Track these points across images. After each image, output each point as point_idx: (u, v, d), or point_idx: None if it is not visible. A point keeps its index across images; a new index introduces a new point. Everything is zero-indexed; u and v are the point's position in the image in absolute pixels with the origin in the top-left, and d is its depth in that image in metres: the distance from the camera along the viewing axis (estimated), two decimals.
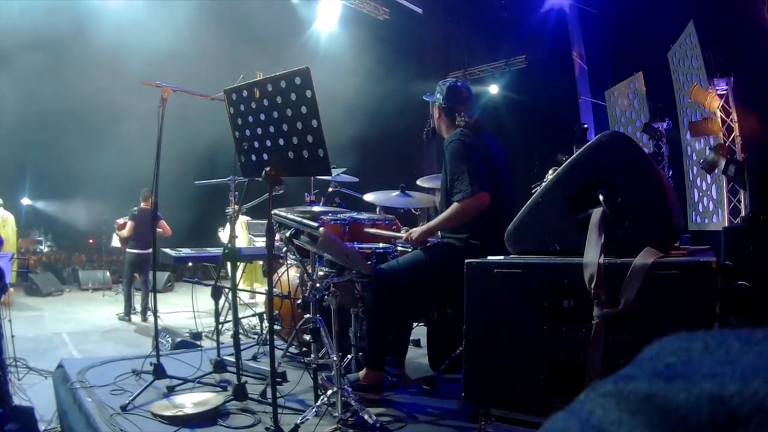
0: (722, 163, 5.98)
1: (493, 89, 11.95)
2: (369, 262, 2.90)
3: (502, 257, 2.24)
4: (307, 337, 2.71)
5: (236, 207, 4.13)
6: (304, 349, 3.00)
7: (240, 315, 3.29)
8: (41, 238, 15.28)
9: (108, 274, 12.26)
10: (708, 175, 7.49)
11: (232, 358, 3.00)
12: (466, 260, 2.18)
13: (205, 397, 2.67)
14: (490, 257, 2.23)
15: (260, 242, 7.31)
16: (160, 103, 3.02)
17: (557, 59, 10.83)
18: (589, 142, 2.17)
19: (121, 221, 7.77)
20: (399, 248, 3.18)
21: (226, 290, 3.52)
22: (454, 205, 2.75)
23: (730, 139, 7.24)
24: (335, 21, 11.49)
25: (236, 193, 4.97)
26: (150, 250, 4.79)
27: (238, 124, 2.46)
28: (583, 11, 10.54)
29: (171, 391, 2.86)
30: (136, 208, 7.46)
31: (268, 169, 2.29)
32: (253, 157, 2.45)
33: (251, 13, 9.83)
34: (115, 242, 8.56)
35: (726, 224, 6.88)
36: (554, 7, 10.53)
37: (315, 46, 11.55)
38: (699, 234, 7.68)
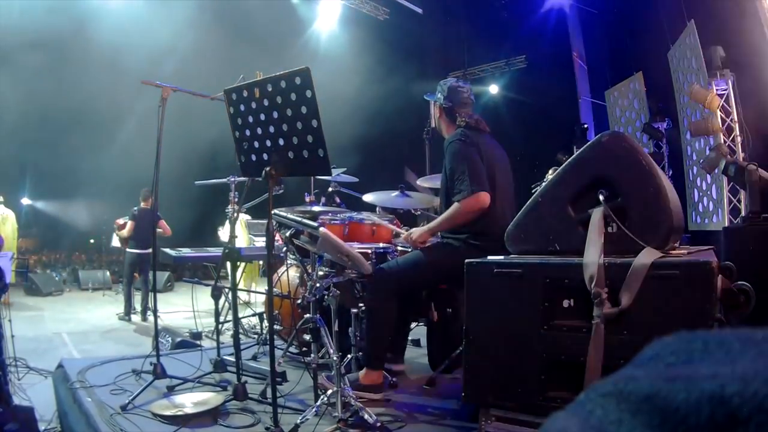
0: (722, 163, 5.97)
1: (493, 89, 11.95)
2: (369, 262, 2.90)
3: (502, 257, 2.24)
4: (307, 337, 2.71)
5: (236, 207, 4.13)
6: (304, 348, 3.00)
7: (240, 315, 3.29)
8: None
9: (108, 274, 12.26)
10: (708, 175, 7.49)
11: (232, 358, 3.00)
12: (466, 260, 2.18)
13: (205, 397, 2.67)
14: (490, 257, 2.23)
15: (260, 242, 7.32)
16: (160, 103, 3.02)
17: (557, 59, 10.83)
18: (589, 142, 2.17)
19: (120, 221, 7.77)
20: (399, 248, 3.18)
21: (226, 290, 3.52)
22: (455, 205, 2.75)
23: (730, 139, 7.24)
24: (335, 21, 11.50)
25: (236, 192, 4.97)
26: (150, 250, 4.80)
27: (238, 124, 2.46)
28: (583, 11, 10.54)
29: (171, 390, 2.86)
30: (136, 208, 7.46)
31: (268, 168, 2.29)
32: (253, 157, 2.45)
33: (251, 12, 9.83)
34: (115, 242, 8.56)
35: (726, 224, 6.88)
36: (554, 7, 10.53)
37: (315, 46, 11.56)
38: (699, 234, 7.67)
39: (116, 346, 5.91)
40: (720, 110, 7.21)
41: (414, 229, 3.02)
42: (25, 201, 14.56)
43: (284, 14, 10.82)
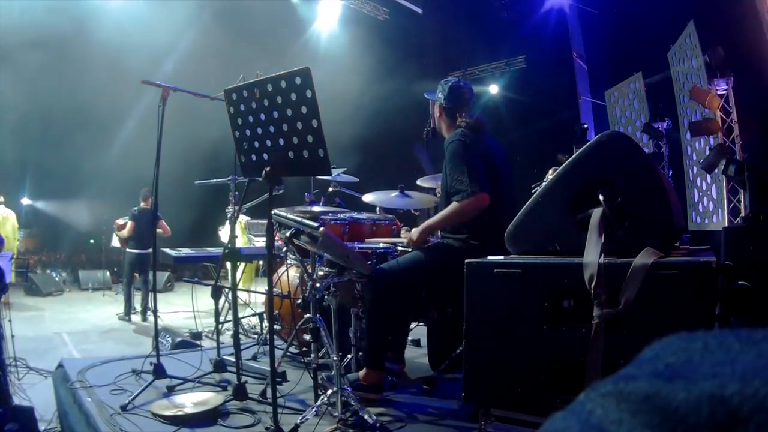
0: (722, 163, 5.98)
1: (493, 89, 11.95)
2: (369, 262, 2.90)
3: (502, 257, 2.24)
4: (307, 337, 2.71)
5: (236, 207, 4.13)
6: (304, 348, 3.00)
7: (240, 315, 3.29)
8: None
9: (108, 274, 12.26)
10: (708, 175, 7.49)
11: (232, 358, 3.00)
12: (466, 260, 2.18)
13: (205, 397, 2.67)
14: (490, 257, 2.23)
15: (260, 242, 7.31)
16: (160, 103, 3.02)
17: (557, 59, 10.83)
18: (589, 142, 2.17)
19: (120, 222, 7.78)
20: (399, 248, 3.18)
21: (226, 290, 3.52)
22: (454, 204, 2.75)
23: (730, 139, 7.24)
24: (335, 21, 11.50)
25: (236, 192, 4.97)
26: (150, 250, 4.80)
27: (238, 124, 2.46)
28: (583, 11, 10.54)
29: (171, 390, 2.86)
30: (136, 208, 7.46)
31: (268, 168, 2.29)
32: (253, 157, 2.45)
33: (251, 12, 9.83)
34: (115, 242, 8.57)
35: (726, 224, 6.88)
36: (554, 7, 10.53)
37: (315, 46, 11.56)
38: (699, 234, 7.68)
39: (116, 346, 5.91)
40: (720, 110, 7.21)
41: (413, 230, 3.02)
42: (25, 201, 14.55)
43: (284, 14, 10.83)
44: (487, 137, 3.02)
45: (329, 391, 2.47)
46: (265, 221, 2.42)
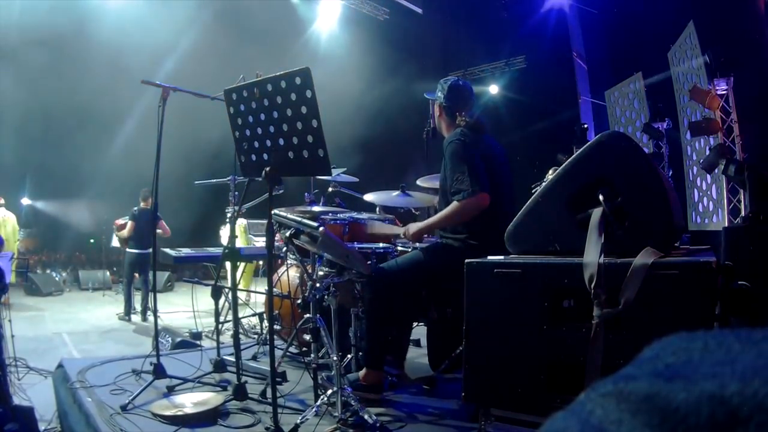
0: (722, 163, 5.97)
1: (493, 89, 11.95)
2: (369, 262, 2.90)
3: (502, 257, 2.24)
4: (307, 337, 2.71)
5: (236, 207, 4.13)
6: (304, 348, 3.00)
7: (240, 315, 3.29)
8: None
9: (108, 274, 12.26)
10: (708, 175, 7.49)
11: (232, 358, 3.00)
12: (466, 260, 2.18)
13: (205, 397, 2.67)
14: (489, 257, 2.23)
15: (260, 242, 7.32)
16: (160, 102, 3.02)
17: (557, 59, 10.83)
18: (589, 142, 2.17)
19: (120, 222, 7.78)
20: (399, 248, 3.18)
21: (226, 290, 3.52)
22: (454, 204, 2.74)
23: (730, 139, 7.24)
24: (335, 21, 11.50)
25: (236, 193, 4.97)
26: (150, 250, 4.79)
27: (238, 124, 2.46)
28: (583, 11, 10.54)
29: (171, 390, 2.86)
30: (136, 208, 7.46)
31: (268, 169, 2.29)
32: (253, 157, 2.45)
33: (251, 12, 9.84)
34: (115, 242, 8.57)
35: (726, 224, 6.88)
36: (554, 7, 10.53)
37: (315, 46, 11.56)
38: (699, 234, 7.68)
39: (116, 346, 5.91)
40: (720, 110, 7.21)
41: (411, 225, 3.01)
42: (25, 201, 14.55)
43: (284, 14, 10.83)
44: (486, 137, 3.02)
45: (329, 391, 2.47)
46: (264, 221, 2.42)
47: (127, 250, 7.54)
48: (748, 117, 7.07)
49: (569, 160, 2.18)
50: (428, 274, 2.88)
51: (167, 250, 3.72)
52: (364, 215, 3.48)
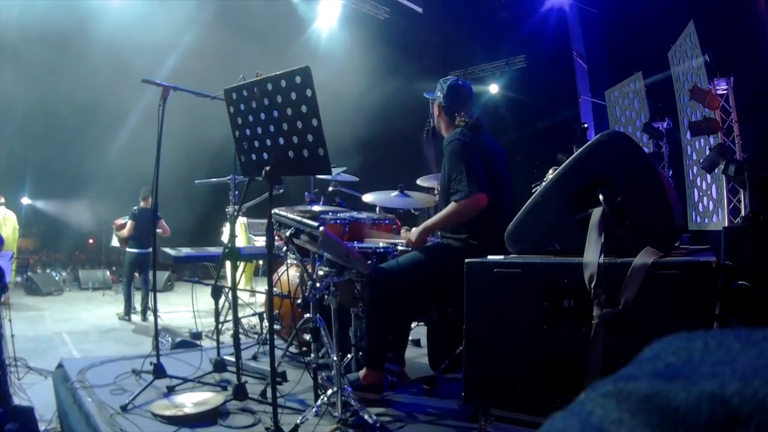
0: (722, 162, 5.97)
1: (493, 89, 11.95)
2: (369, 262, 2.90)
3: (502, 257, 2.24)
4: (307, 337, 2.71)
5: (236, 207, 4.13)
6: (304, 348, 3.00)
7: (240, 315, 3.29)
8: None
9: (108, 273, 12.26)
10: (708, 175, 7.49)
11: (232, 358, 3.00)
12: (466, 260, 2.18)
13: (205, 397, 2.67)
14: (490, 257, 2.23)
15: (260, 242, 7.32)
16: (160, 102, 3.02)
17: (557, 59, 10.82)
18: (589, 142, 2.17)
19: (119, 222, 7.78)
20: (399, 248, 3.18)
21: (226, 290, 3.52)
22: (452, 205, 2.74)
23: (730, 139, 7.24)
24: (335, 20, 11.50)
25: (236, 192, 4.97)
26: (150, 250, 4.79)
27: (238, 124, 2.46)
28: (583, 11, 10.53)
29: (171, 390, 2.86)
30: (136, 208, 7.46)
31: (268, 168, 2.29)
32: (253, 157, 2.45)
33: (251, 12, 9.83)
34: (115, 242, 8.56)
35: (726, 224, 6.88)
36: (554, 6, 10.53)
37: (315, 45, 11.56)
38: (699, 234, 7.68)
39: (116, 345, 5.91)
40: (720, 110, 7.21)
41: (412, 230, 3.02)
42: (25, 201, 14.56)
43: (284, 13, 10.82)
44: (486, 137, 3.02)
45: (329, 391, 2.47)
46: (265, 221, 2.42)
47: (127, 249, 7.54)
48: (748, 117, 7.06)
49: (569, 159, 2.18)
50: (428, 273, 2.88)
51: (167, 249, 3.73)
52: (364, 215, 3.48)
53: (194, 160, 9.10)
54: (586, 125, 6.70)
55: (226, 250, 2.98)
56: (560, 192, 2.16)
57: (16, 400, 3.08)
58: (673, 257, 1.90)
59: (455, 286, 2.34)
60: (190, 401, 2.61)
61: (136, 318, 7.59)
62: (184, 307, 6.64)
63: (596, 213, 2.01)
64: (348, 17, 11.52)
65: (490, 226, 2.71)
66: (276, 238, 2.54)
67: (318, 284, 2.69)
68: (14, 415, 2.65)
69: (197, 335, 5.11)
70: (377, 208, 3.91)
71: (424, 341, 3.75)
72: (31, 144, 11.74)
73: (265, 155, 2.39)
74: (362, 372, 2.84)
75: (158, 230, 5.73)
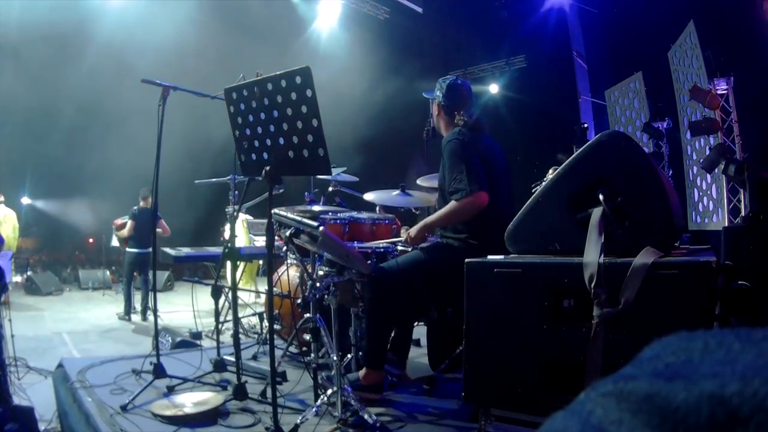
0: (722, 162, 5.97)
1: (493, 89, 11.95)
2: (369, 262, 2.90)
3: (502, 257, 2.24)
4: (307, 337, 2.71)
5: (236, 206, 4.13)
6: (304, 348, 3.00)
7: (240, 314, 3.29)
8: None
9: (108, 273, 12.26)
10: (708, 175, 7.49)
11: (232, 358, 3.00)
12: (466, 260, 2.18)
13: (205, 397, 2.67)
14: (489, 257, 2.23)
15: (260, 242, 7.32)
16: (160, 101, 3.02)
17: (557, 59, 10.82)
18: (589, 142, 2.17)
19: (118, 222, 7.77)
20: (399, 248, 3.18)
21: (226, 289, 3.52)
22: (453, 203, 2.74)
23: (730, 138, 7.24)
24: (335, 20, 11.50)
25: (236, 192, 4.97)
26: (150, 249, 4.79)
27: (239, 123, 2.46)
28: (583, 11, 10.53)
29: (171, 390, 2.86)
30: (135, 207, 7.46)
31: (268, 168, 2.29)
32: (253, 156, 2.45)
33: (251, 11, 9.83)
34: (114, 242, 8.57)
35: (726, 224, 6.88)
36: (554, 6, 10.52)
37: (315, 45, 11.55)
38: (699, 234, 7.68)
39: (116, 345, 5.91)
40: (720, 110, 7.21)
41: (412, 228, 3.01)
42: (25, 200, 14.56)
43: (284, 13, 10.82)
44: (485, 137, 3.02)
45: (329, 391, 2.47)
46: (265, 221, 2.42)
47: (127, 249, 7.54)
48: (748, 117, 7.06)
49: (569, 159, 2.18)
50: (428, 273, 2.88)
51: (167, 249, 3.73)
52: (364, 214, 3.48)
53: (196, 160, 9.10)
54: (586, 125, 6.70)
55: (226, 250, 2.98)
56: (560, 192, 2.16)
57: (16, 400, 3.08)
58: (673, 257, 1.90)
59: (455, 286, 2.34)
60: (190, 401, 2.61)
61: (136, 318, 7.59)
62: (184, 307, 6.64)
63: (596, 213, 2.01)
64: (348, 17, 11.51)
65: (489, 226, 2.71)
66: (276, 238, 2.54)
67: (318, 284, 2.69)
68: (14, 415, 2.65)
69: (197, 335, 5.11)
70: (377, 208, 3.91)
71: (424, 341, 3.75)
72: (32, 143, 11.73)
73: (265, 155, 2.39)
74: (362, 372, 2.84)
75: (158, 230, 5.74)
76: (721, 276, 1.94)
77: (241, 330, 3.61)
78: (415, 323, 3.66)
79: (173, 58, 8.70)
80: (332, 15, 11.45)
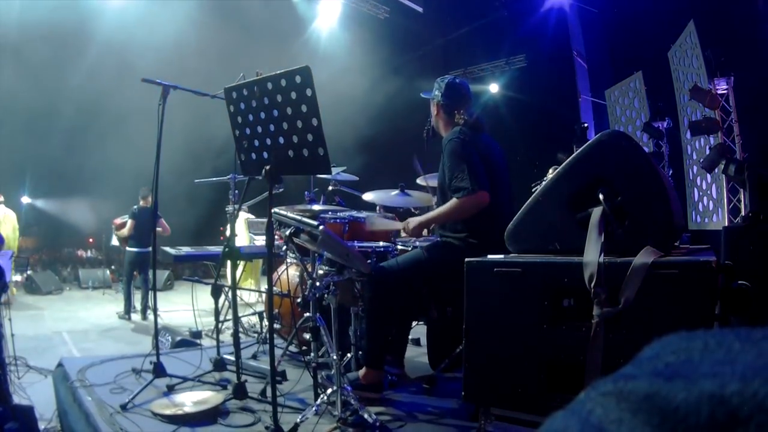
0: (722, 162, 5.97)
1: (493, 88, 11.95)
2: (369, 261, 2.90)
3: (501, 256, 2.24)
4: (307, 336, 2.71)
5: (235, 206, 4.13)
6: (304, 347, 3.00)
7: (240, 314, 3.28)
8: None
9: (108, 272, 12.26)
10: (708, 175, 7.49)
11: (231, 357, 3.00)
12: (466, 259, 2.18)
13: (205, 396, 2.67)
14: (489, 256, 2.23)
15: (260, 241, 7.32)
16: (160, 101, 3.02)
17: (557, 58, 10.82)
18: (589, 141, 2.17)
19: (118, 221, 7.77)
20: (399, 247, 3.18)
21: (226, 289, 3.52)
22: (454, 201, 2.74)
23: (730, 138, 7.24)
24: (335, 20, 11.49)
25: (236, 191, 4.97)
26: (150, 249, 4.79)
27: (238, 123, 2.46)
28: (583, 10, 10.53)
29: (171, 389, 2.86)
30: (135, 207, 7.46)
31: (268, 167, 2.29)
32: (253, 156, 2.45)
33: (251, 11, 9.82)
34: (114, 241, 8.57)
35: (726, 224, 6.88)
36: (554, 6, 10.52)
37: (315, 44, 11.55)
38: (699, 233, 7.68)
39: (116, 344, 5.91)
40: (720, 110, 7.21)
41: (411, 219, 3.01)
42: (25, 200, 14.55)
43: (284, 13, 10.81)
44: (485, 136, 3.02)
45: (329, 390, 2.47)
46: (265, 220, 2.42)
47: (127, 248, 7.54)
48: (748, 117, 7.06)
49: (569, 159, 2.17)
50: (428, 272, 2.88)
51: (167, 248, 3.72)
52: (364, 214, 3.48)
53: (197, 159, 9.09)
54: (586, 125, 6.69)
55: (226, 249, 2.97)
56: (560, 191, 2.16)
57: (16, 399, 3.08)
58: (673, 257, 1.90)
59: (455, 285, 2.34)
60: (190, 400, 2.61)
61: (136, 317, 7.59)
62: (184, 306, 6.64)
63: (596, 212, 2.01)
64: (348, 17, 11.51)
65: (490, 225, 2.71)
66: (276, 237, 2.54)
67: (318, 283, 2.69)
68: (14, 414, 2.65)
69: (197, 334, 5.11)
70: (377, 207, 3.91)
71: (424, 341, 3.75)
72: (32, 143, 11.71)
73: (265, 154, 2.39)
74: (362, 371, 2.84)
75: (158, 229, 5.74)
76: (721, 276, 1.94)
77: (241, 329, 3.61)
78: (415, 323, 3.66)
79: (174, 58, 8.70)
80: (332, 14, 11.44)
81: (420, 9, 11.70)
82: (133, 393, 2.68)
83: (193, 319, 4.31)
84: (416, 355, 3.81)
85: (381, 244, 3.14)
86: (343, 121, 8.72)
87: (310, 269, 2.83)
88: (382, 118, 10.74)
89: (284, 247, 3.37)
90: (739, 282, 2.01)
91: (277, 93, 2.26)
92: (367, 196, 3.71)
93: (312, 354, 2.67)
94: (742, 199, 6.81)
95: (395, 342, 3.20)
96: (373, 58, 10.77)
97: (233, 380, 2.78)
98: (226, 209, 5.19)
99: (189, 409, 2.52)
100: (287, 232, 2.49)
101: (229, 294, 3.54)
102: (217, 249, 3.99)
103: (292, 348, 3.18)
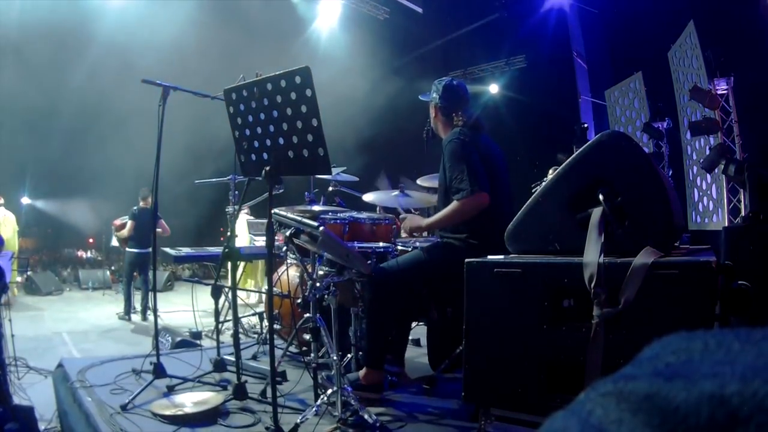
0: (722, 162, 5.97)
1: (493, 89, 11.95)
2: (369, 262, 2.90)
3: (501, 257, 2.24)
4: (307, 337, 2.71)
5: (235, 207, 4.13)
6: (304, 348, 3.00)
7: (240, 314, 3.28)
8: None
9: (108, 273, 12.27)
10: (708, 175, 7.49)
11: (232, 358, 3.00)
12: (466, 260, 2.18)
13: (205, 397, 2.67)
14: (489, 257, 2.23)
15: (260, 241, 7.32)
16: (160, 102, 3.02)
17: (557, 59, 10.83)
18: (589, 142, 2.17)
19: (118, 222, 7.78)
20: (399, 248, 3.18)
21: (226, 289, 3.52)
22: (455, 204, 2.74)
23: (730, 139, 7.24)
24: (335, 20, 11.50)
25: (236, 192, 4.97)
26: (150, 249, 4.79)
27: (238, 124, 2.46)
28: (583, 11, 10.53)
29: (171, 390, 2.86)
30: (135, 208, 7.47)
31: (268, 168, 2.29)
32: (253, 157, 2.45)
33: (251, 12, 9.83)
34: (114, 242, 8.57)
35: (726, 224, 6.88)
36: (554, 6, 10.53)
37: (315, 45, 11.55)
38: (699, 234, 7.68)
39: (116, 345, 5.91)
40: (720, 110, 7.21)
41: (411, 216, 3.01)
42: (25, 200, 14.56)
43: (284, 13, 10.82)
44: (484, 137, 3.02)
45: (329, 391, 2.47)
46: (265, 221, 2.42)
47: (127, 249, 7.54)
48: (748, 117, 7.07)
49: (569, 159, 2.17)
50: (428, 273, 2.88)
51: (167, 249, 3.72)
52: (364, 215, 3.48)
53: (198, 160, 9.09)
54: (586, 125, 6.71)
55: (226, 250, 2.97)
56: (560, 192, 2.16)
57: (16, 400, 3.08)
58: (673, 257, 1.90)
59: (455, 286, 2.34)
60: (190, 401, 2.61)
61: (136, 318, 7.60)
62: (184, 307, 6.64)
63: (596, 213, 2.01)
64: (348, 17, 11.51)
65: (490, 226, 2.71)
66: (276, 237, 2.54)
67: (318, 284, 2.69)
68: (14, 415, 2.65)
69: (197, 335, 5.11)
70: (378, 208, 3.91)
71: (424, 341, 3.75)
72: (32, 143, 11.72)
73: (265, 155, 2.39)
74: (362, 371, 2.84)
75: (158, 230, 5.74)
76: (721, 276, 1.94)
77: (241, 330, 3.60)
78: (415, 323, 3.66)
79: (174, 58, 8.70)
80: (332, 15, 11.45)
81: (420, 10, 11.71)
82: (133, 394, 2.68)
83: (194, 320, 4.31)
84: (416, 355, 3.81)
85: (381, 244, 3.14)
86: (344, 121, 8.72)
87: (310, 270, 2.83)
88: (382, 119, 10.74)
89: (284, 248, 3.37)
90: (739, 282, 2.01)
91: (276, 94, 2.26)
92: (368, 197, 3.71)
93: (312, 354, 2.67)
94: (742, 200, 6.81)
95: (395, 342, 3.20)
96: (373, 59, 10.77)
97: (233, 381, 2.78)
98: (227, 210, 5.19)
99: (189, 409, 2.51)
100: (287, 233, 2.49)
101: (229, 295, 3.54)
102: (217, 250, 3.99)
103: (293, 348, 3.18)
